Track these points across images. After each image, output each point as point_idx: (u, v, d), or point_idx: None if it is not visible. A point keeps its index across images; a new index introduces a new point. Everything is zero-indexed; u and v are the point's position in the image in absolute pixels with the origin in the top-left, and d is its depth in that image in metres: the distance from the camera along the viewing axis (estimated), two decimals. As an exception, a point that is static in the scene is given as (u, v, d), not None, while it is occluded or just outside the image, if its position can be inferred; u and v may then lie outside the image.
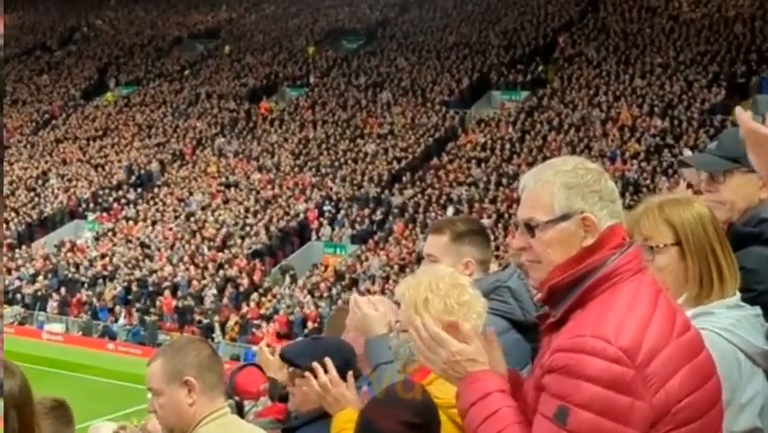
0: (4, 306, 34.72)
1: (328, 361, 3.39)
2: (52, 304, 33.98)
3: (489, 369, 2.49)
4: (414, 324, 2.56)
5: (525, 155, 35.59)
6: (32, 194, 42.92)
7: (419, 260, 30.34)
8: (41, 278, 35.70)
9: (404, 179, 37.00)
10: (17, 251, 38.42)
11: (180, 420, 3.18)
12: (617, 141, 35.59)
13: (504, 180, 34.45)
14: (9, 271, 36.61)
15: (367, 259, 32.37)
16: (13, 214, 41.35)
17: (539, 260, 2.44)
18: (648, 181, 32.12)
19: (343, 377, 3.38)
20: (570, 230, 2.39)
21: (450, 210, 32.91)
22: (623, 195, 29.20)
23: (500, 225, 30.92)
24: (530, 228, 2.42)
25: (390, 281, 29.63)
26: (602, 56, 41.99)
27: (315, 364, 3.40)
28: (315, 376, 3.40)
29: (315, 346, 3.69)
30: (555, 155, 27.76)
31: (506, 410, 2.39)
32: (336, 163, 39.50)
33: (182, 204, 39.34)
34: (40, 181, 43.98)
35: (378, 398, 2.95)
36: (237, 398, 4.51)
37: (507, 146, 37.16)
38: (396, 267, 31.06)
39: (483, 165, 36.40)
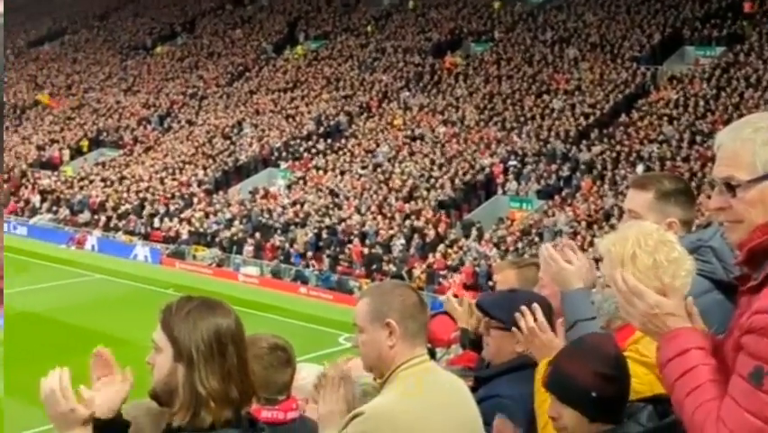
0: (203, 248, 36.65)
1: (536, 307, 3.40)
2: (248, 248, 35.40)
3: (690, 326, 2.46)
4: (612, 277, 2.55)
5: (719, 113, 34.55)
6: (227, 142, 44.87)
7: (607, 217, 30.21)
8: (236, 222, 37.29)
9: (592, 135, 36.57)
10: (214, 196, 40.36)
11: (379, 360, 3.22)
12: (819, 99, 34.07)
13: (697, 138, 33.58)
14: (207, 216, 38.55)
15: (553, 214, 32.34)
16: (210, 161, 43.43)
17: (740, 220, 2.37)
18: None
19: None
20: None
21: (640, 168, 32.38)
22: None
23: (693, 184, 30.23)
24: (731, 188, 2.35)
25: (578, 237, 29.57)
26: (805, 10, 40.08)
27: (524, 308, 3.40)
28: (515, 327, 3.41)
29: (512, 298, 3.68)
30: (753, 113, 26.84)
31: (703, 368, 2.35)
32: (522, 119, 39.43)
33: (369, 155, 40.24)
34: (235, 130, 45.90)
35: (571, 347, 2.96)
36: (429, 345, 4.36)
37: (701, 103, 36.11)
38: (583, 223, 30.92)
39: (675, 123, 35.54)
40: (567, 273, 3.48)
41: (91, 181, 44.33)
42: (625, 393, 2.81)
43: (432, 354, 4.23)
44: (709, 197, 2.51)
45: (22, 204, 44.10)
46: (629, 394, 2.84)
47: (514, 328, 3.42)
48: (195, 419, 2.66)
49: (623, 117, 37.35)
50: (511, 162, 36.59)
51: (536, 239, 31.03)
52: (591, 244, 28.62)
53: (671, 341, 2.43)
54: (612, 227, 27.15)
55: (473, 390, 3.59)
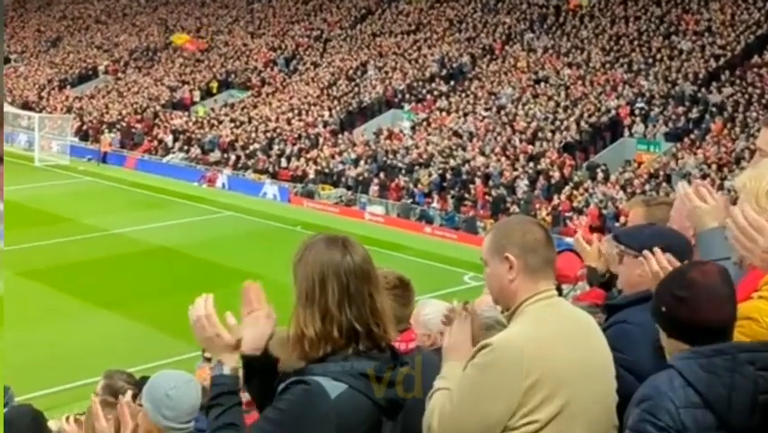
0: (330, 187, 37.43)
1: (657, 250, 3.37)
2: (373, 188, 36.02)
3: None
4: (731, 212, 2.56)
5: None
6: (351, 84, 45.47)
7: (738, 160, 29.71)
8: (362, 162, 37.93)
9: (722, 77, 35.84)
10: (339, 136, 41.11)
11: (501, 293, 3.23)
12: None
13: (834, 80, 32.61)
14: (333, 156, 39.32)
15: (682, 157, 31.96)
16: (335, 102, 44.15)
17: None
18: None
19: None
20: None
21: (773, 110, 31.72)
22: None
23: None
24: None
25: (708, 180, 29.14)
26: None
27: (646, 252, 3.38)
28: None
29: (648, 231, 3.68)
30: None
31: None
32: (649, 60, 38.84)
33: (493, 97, 40.27)
34: (359, 72, 46.44)
35: (673, 269, 3.07)
36: (555, 281, 4.42)
37: (839, 44, 34.96)
38: (714, 166, 30.48)
39: (811, 64, 34.57)
40: (701, 212, 3.45)
41: (220, 122, 45.64)
42: (700, 319, 2.80)
43: (558, 291, 4.10)
44: None
45: (155, 143, 45.76)
46: (714, 323, 2.81)
47: (643, 262, 3.40)
48: (295, 355, 2.84)
49: (755, 59, 36.43)
50: (638, 105, 36.17)
51: (664, 183, 30.80)
52: (721, 187, 28.25)
53: None
54: (743, 170, 26.72)
55: (606, 319, 3.65)
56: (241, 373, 3.02)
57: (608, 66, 39.56)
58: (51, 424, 5.98)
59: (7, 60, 63.36)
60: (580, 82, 38.98)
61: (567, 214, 30.77)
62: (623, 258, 3.66)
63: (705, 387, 2.68)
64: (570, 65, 40.68)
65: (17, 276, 26.21)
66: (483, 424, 2.98)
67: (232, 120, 45.41)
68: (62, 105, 52.53)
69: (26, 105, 53.50)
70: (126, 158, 45.29)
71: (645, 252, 3.36)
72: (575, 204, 31.16)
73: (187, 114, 47.89)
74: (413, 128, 40.05)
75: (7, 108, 53.07)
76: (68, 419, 4.57)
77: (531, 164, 34.10)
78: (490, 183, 33.81)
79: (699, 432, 2.64)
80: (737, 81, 35.26)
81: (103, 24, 64.90)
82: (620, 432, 3.19)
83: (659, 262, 3.30)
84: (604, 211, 30.05)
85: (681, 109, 34.92)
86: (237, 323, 3.02)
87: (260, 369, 3.02)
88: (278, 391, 2.81)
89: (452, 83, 42.69)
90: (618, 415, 3.18)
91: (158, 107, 49.23)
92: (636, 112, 35.91)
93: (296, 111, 44.16)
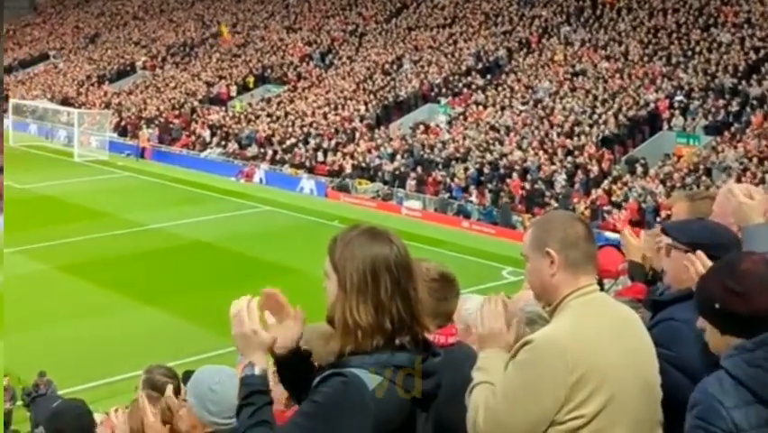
0: (367, 182, 37.46)
1: (700, 253, 3.39)
2: (410, 182, 36.00)
3: None
4: None
5: None
6: (387, 78, 45.44)
7: (779, 153, 29.34)
8: (398, 157, 37.90)
9: (762, 69, 35.39)
10: (376, 131, 41.10)
11: (542, 288, 3.21)
12: None
13: None
14: (369, 150, 39.33)
15: (722, 150, 31.60)
16: (371, 96, 44.15)
17: None
18: None
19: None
20: None
21: (815, 102, 31.27)
22: None
23: None
24: None
25: (748, 174, 28.88)
26: None
27: (699, 253, 3.39)
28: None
29: (697, 225, 3.66)
30: None
31: None
32: (688, 53, 38.44)
33: (530, 91, 40.08)
34: (394, 66, 46.41)
35: (716, 264, 3.01)
36: (597, 277, 4.36)
37: None
38: (755, 160, 30.11)
39: None
40: (747, 207, 3.50)
41: (257, 117, 45.84)
42: (756, 310, 2.75)
43: (600, 286, 4.04)
44: None
45: (193, 138, 46.04)
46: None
47: (692, 259, 3.40)
48: (345, 347, 2.77)
49: (797, 50, 35.99)
50: (677, 98, 35.81)
51: (704, 176, 30.50)
52: (763, 180, 27.98)
53: None
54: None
55: (652, 316, 3.62)
56: (271, 372, 3.00)
57: (646, 59, 39.21)
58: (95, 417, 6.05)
59: (46, 57, 64.26)
60: (618, 75, 38.68)
61: (606, 208, 30.58)
62: (671, 252, 3.63)
63: (752, 381, 2.66)
64: (607, 58, 40.36)
65: (57, 271, 26.60)
66: (531, 421, 2.98)
67: (268, 115, 45.59)
68: (101, 101, 53.07)
69: (65, 101, 54.12)
70: (165, 153, 45.63)
71: (699, 252, 3.35)
72: (614, 198, 30.95)
73: (224, 109, 48.16)
74: (449, 122, 39.98)
75: (47, 104, 53.84)
76: (116, 411, 4.61)
77: (569, 158, 33.89)
78: (528, 177, 33.66)
79: (753, 431, 2.62)
80: (778, 73, 34.83)
81: (140, 20, 65.46)
82: (664, 427, 3.18)
83: (704, 264, 3.28)
84: (643, 205, 29.82)
85: (720, 102, 34.54)
86: (274, 321, 3.01)
87: (292, 367, 3.02)
88: (313, 384, 2.78)
89: (488, 77, 42.53)
90: (663, 409, 3.16)
91: (195, 103, 49.56)
92: (675, 105, 35.55)
93: (332, 105, 44.25)
